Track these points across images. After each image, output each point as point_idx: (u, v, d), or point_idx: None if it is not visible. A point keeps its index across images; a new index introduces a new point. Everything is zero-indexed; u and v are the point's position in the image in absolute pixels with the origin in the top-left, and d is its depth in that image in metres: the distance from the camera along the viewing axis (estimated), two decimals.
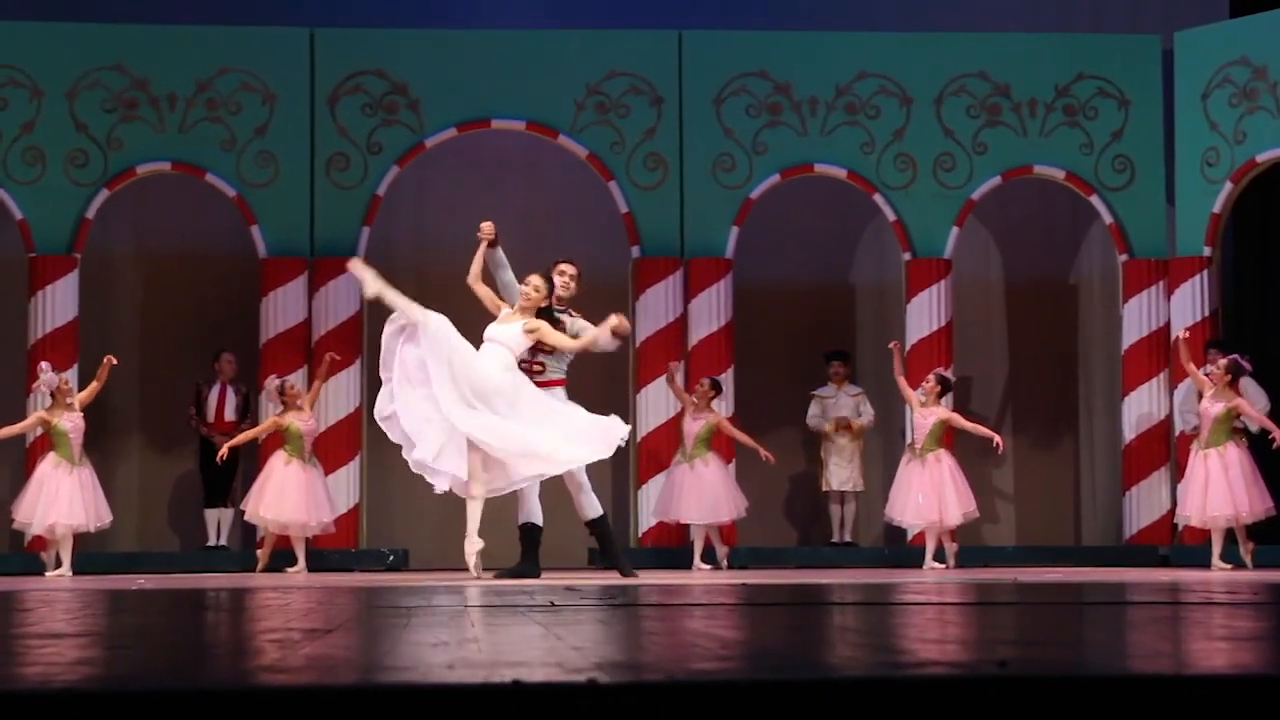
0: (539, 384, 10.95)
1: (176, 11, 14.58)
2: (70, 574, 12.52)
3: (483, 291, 10.98)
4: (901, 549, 14.22)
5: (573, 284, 11.27)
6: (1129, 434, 14.52)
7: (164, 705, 2.62)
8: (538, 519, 11.09)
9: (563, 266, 11.28)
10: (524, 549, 11.07)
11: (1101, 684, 2.85)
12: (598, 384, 15.14)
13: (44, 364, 12.88)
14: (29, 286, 14.00)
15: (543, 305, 10.86)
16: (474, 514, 10.68)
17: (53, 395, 12.72)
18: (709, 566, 13.51)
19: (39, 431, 13.08)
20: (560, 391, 11.10)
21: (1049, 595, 7.52)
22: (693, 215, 14.46)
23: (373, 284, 10.78)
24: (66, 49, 14.09)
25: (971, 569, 13.10)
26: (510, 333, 10.75)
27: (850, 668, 3.17)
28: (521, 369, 10.87)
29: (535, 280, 10.86)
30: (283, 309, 14.09)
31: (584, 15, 15.01)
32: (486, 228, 11.01)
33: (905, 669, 3.17)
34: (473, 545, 10.68)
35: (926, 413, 13.38)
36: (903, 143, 14.60)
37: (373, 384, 14.29)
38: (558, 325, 10.87)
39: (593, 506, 11.17)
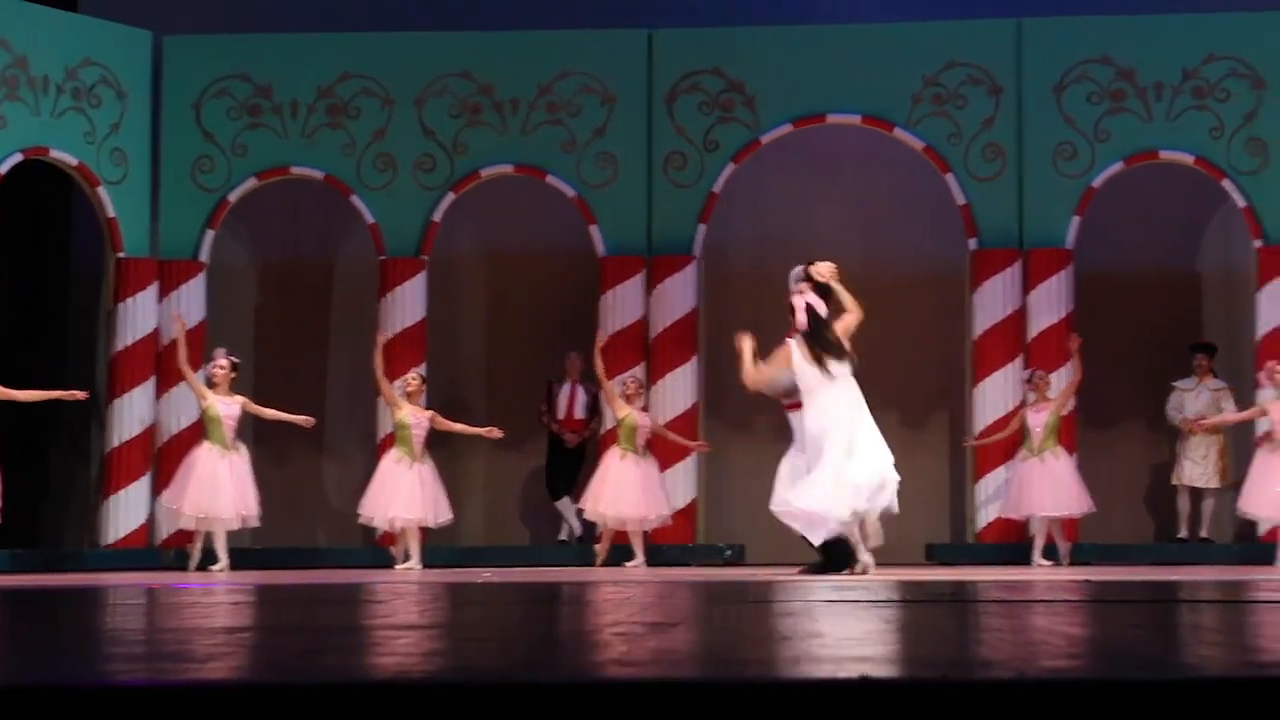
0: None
1: (518, 18, 14.91)
2: (419, 567, 12.90)
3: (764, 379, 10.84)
4: (1252, 546, 13.74)
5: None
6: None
7: (513, 697, 2.67)
8: None
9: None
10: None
11: None
12: (933, 377, 15.01)
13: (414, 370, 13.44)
14: (379, 288, 14.48)
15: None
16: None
17: (409, 395, 13.20)
18: (1049, 563, 13.27)
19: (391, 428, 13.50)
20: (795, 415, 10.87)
21: None
22: (1032, 205, 14.21)
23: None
24: (415, 58, 14.52)
25: None
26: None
27: (1207, 667, 3.08)
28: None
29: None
30: (621, 307, 14.28)
31: (920, 7, 14.87)
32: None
33: (1266, 669, 3.06)
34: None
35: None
36: (1253, 126, 14.12)
37: (710, 381, 14.46)
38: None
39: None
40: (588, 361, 14.25)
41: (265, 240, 15.48)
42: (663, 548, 13.80)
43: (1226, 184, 14.14)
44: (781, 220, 14.99)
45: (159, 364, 14.20)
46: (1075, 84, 14.23)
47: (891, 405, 15.15)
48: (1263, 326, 13.94)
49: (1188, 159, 14.20)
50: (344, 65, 14.55)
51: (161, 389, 14.20)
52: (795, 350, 10.60)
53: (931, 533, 14.54)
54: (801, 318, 10.62)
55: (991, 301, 14.14)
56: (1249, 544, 13.91)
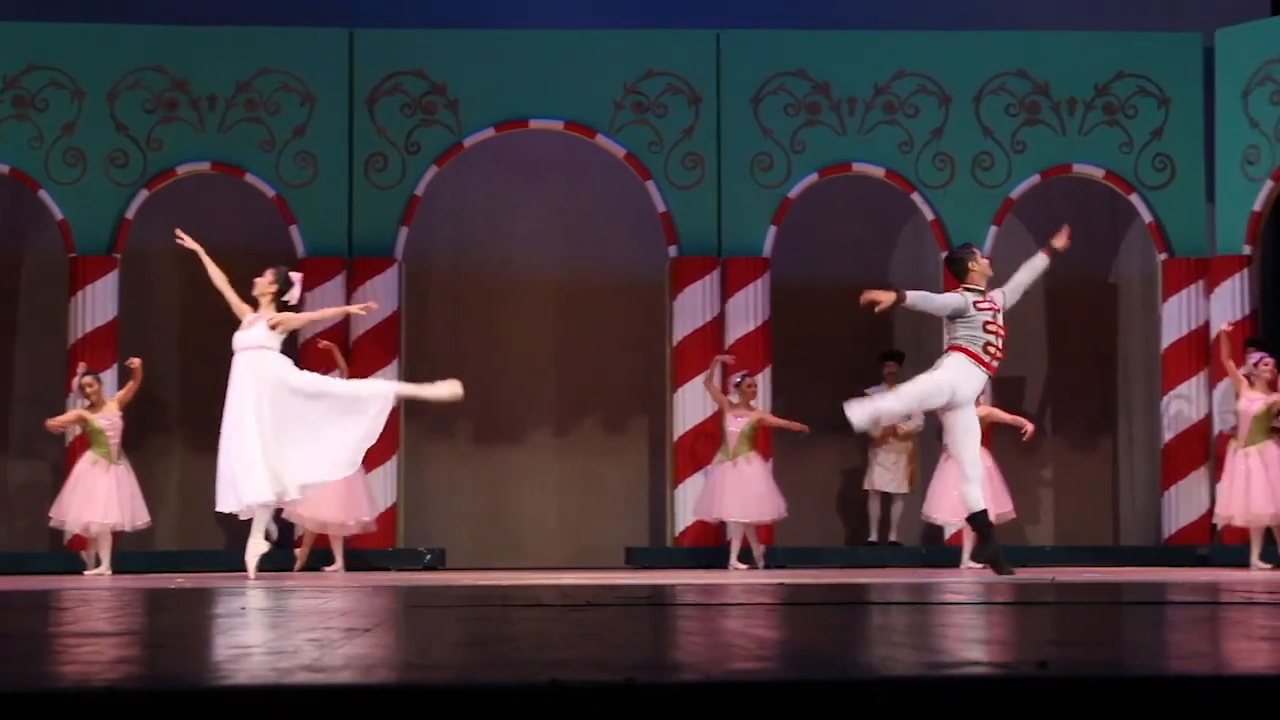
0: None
1: (216, 12, 14.63)
2: (109, 573, 12.57)
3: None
4: (939, 548, 14.19)
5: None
6: (1168, 433, 14.46)
7: (202, 704, 2.63)
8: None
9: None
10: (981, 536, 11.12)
11: (1141, 684, 2.83)
12: (634, 383, 15.17)
13: (81, 365, 12.95)
14: (69, 286, 14.08)
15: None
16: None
17: (85, 394, 12.75)
18: (745, 566, 13.50)
19: (78, 430, 13.11)
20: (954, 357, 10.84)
21: (1088, 595, 7.48)
22: (730, 214, 14.45)
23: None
24: (107, 50, 14.16)
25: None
26: (257, 335, 11.16)
27: (890, 667, 3.16)
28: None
29: (267, 275, 11.44)
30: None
31: (621, 15, 15.01)
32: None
33: (945, 669, 3.16)
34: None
35: None
36: (941, 141, 14.57)
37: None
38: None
39: (976, 500, 10.85)
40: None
41: None
42: (363, 552, 13.67)
43: (916, 197, 14.57)
44: (483, 224, 14.98)
45: None
46: (772, 95, 14.51)
47: (592, 410, 15.29)
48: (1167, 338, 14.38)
49: (879, 172, 14.59)
50: (30, 56, 14.11)
51: None
52: None
53: (631, 536, 14.69)
54: None
55: (691, 308, 14.34)
56: (935, 546, 14.36)
